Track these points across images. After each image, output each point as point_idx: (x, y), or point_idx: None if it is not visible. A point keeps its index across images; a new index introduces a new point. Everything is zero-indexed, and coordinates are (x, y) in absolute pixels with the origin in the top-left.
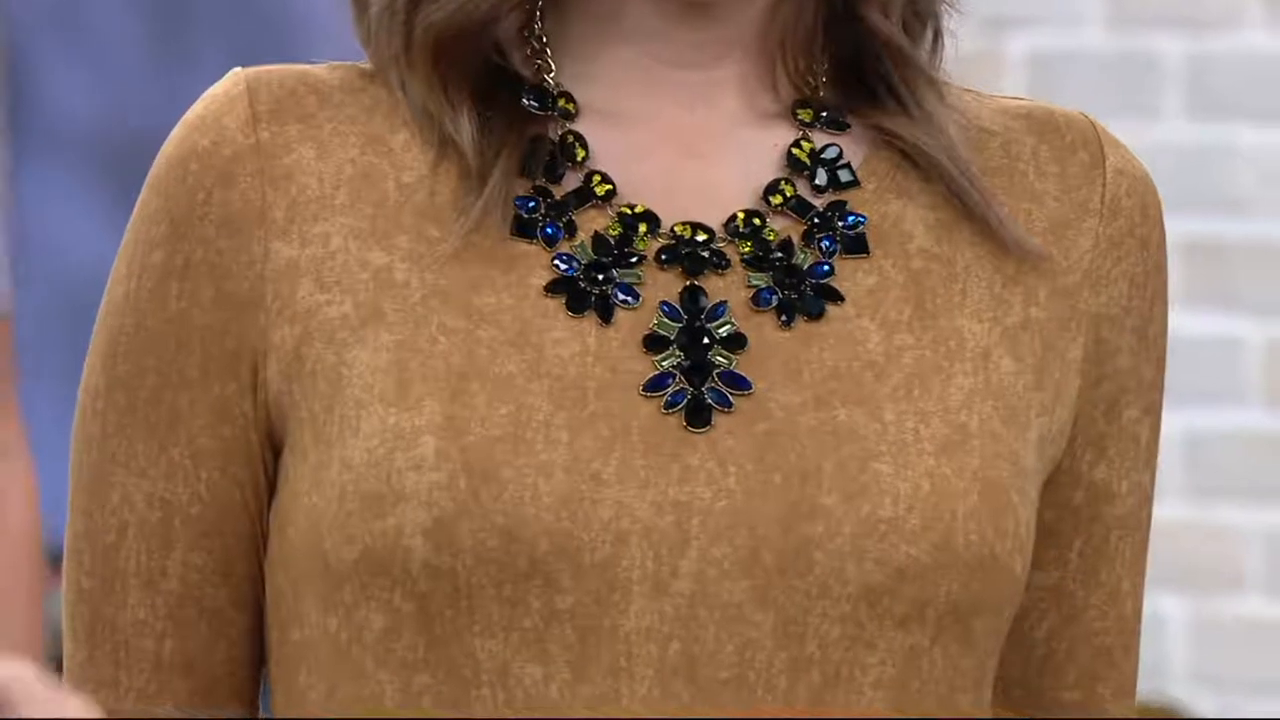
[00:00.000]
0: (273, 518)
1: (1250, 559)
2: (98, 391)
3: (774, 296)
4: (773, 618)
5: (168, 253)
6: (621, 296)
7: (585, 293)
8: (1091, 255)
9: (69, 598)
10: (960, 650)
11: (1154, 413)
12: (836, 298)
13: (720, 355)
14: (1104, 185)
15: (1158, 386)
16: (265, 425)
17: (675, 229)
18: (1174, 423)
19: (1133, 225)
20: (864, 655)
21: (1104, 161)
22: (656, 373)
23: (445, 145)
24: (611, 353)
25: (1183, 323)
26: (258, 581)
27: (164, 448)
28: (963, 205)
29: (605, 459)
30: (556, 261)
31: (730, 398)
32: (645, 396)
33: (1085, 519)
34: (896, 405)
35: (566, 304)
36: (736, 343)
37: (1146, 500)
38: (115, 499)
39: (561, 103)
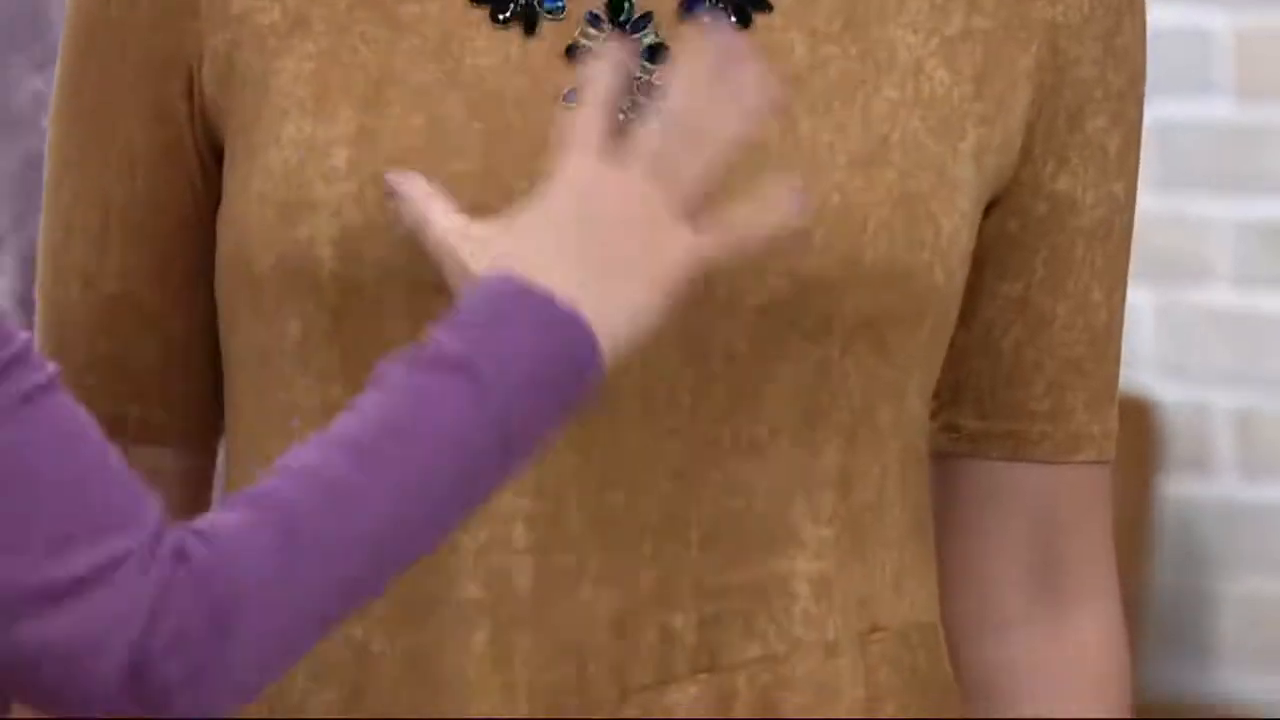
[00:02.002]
0: (217, 225)
1: (1218, 249)
2: (56, 99)
3: (701, 6)
4: (677, 334)
5: None
6: (547, 6)
7: (509, 3)
8: None
9: (37, 295)
10: (876, 361)
11: (1125, 123)
12: (764, 7)
13: (641, 67)
14: None
15: (1130, 97)
16: (203, 129)
17: None
18: (1145, 115)
19: None
20: (772, 368)
21: None
22: (577, 84)
23: None
24: (533, 64)
25: (1153, 14)
26: (197, 287)
27: (104, 148)
28: None
29: (518, 170)
30: None
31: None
32: (565, 107)
33: (1049, 229)
34: (814, 118)
35: (490, 14)
36: (659, 54)
37: (1120, 210)
38: (65, 199)
39: None
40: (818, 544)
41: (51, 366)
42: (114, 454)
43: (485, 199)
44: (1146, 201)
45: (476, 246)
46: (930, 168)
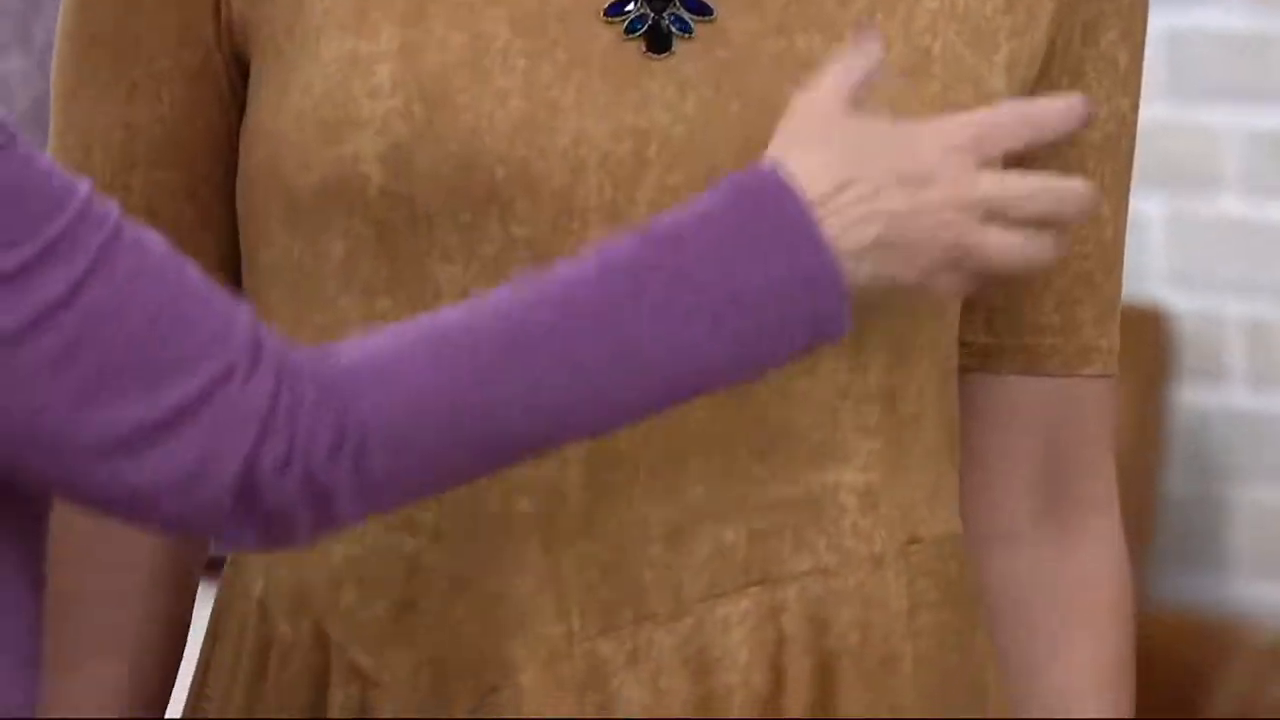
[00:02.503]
0: (241, 140)
1: (1230, 158)
2: (65, 25)
3: None
4: None
5: None
6: None
7: None
8: None
9: None
10: None
11: (1133, 37)
12: None
13: None
14: None
15: (1137, 11)
16: (230, 46)
17: None
18: (1156, 23)
19: None
20: None
21: None
22: None
23: None
24: None
25: None
26: (226, 202)
27: (125, 72)
28: None
29: (563, 86)
30: None
31: (691, 23)
32: (606, 22)
33: (1062, 144)
34: (859, 30)
35: None
36: None
37: (1126, 126)
38: (81, 122)
39: None
40: (865, 457)
41: (113, 207)
42: (193, 274)
43: (530, 113)
44: (1157, 110)
45: (800, 130)
46: (968, 80)
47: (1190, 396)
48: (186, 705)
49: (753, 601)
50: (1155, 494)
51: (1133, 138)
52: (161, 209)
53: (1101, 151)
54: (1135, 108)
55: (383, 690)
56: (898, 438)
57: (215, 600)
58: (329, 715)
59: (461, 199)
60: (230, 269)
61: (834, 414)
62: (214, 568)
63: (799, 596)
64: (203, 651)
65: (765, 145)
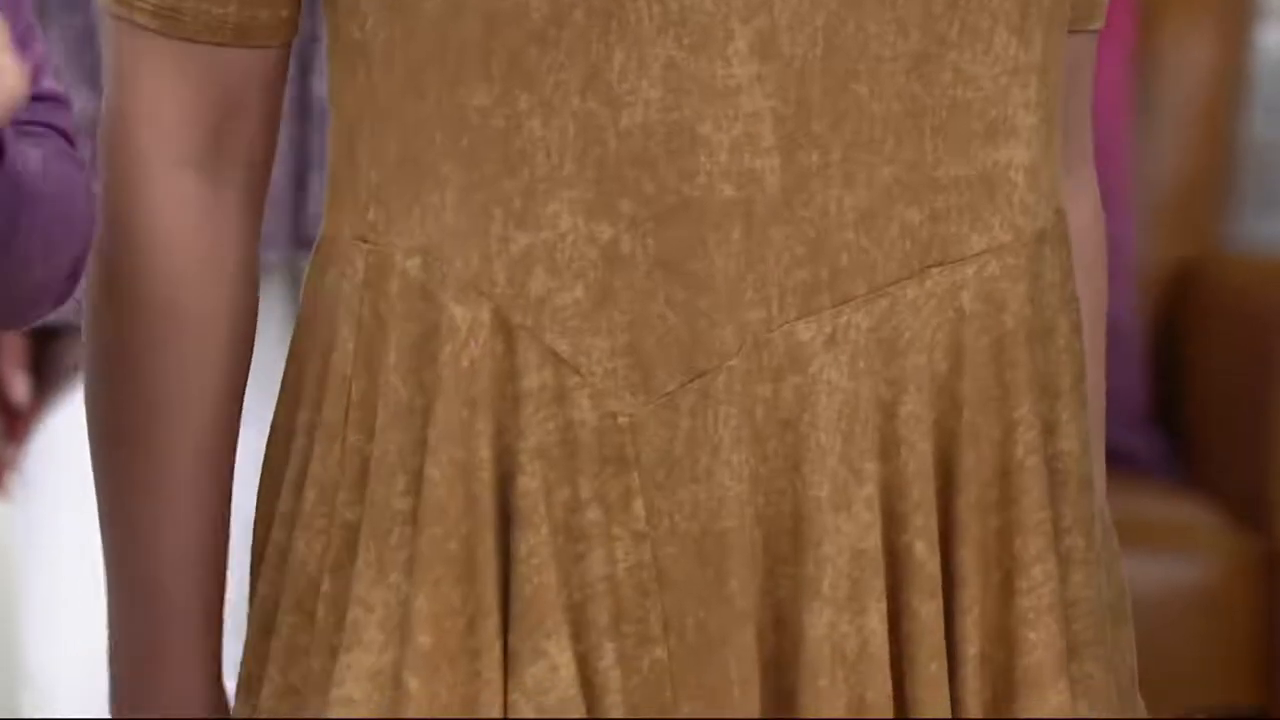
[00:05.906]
0: None
1: None
2: None
3: None
4: None
5: None
6: None
7: None
8: None
9: None
10: None
11: None
12: None
13: None
14: None
15: None
16: None
17: None
18: None
19: None
20: None
21: None
22: None
23: None
24: None
25: None
26: None
27: None
28: None
29: None
30: None
31: None
32: None
33: None
34: None
35: None
36: None
37: None
38: None
39: None
40: (1029, 132)
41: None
42: None
43: None
44: None
45: None
46: None
47: (1275, 38)
48: (306, 388)
49: (935, 281)
50: (1237, 137)
51: None
52: None
53: None
54: None
55: (581, 376)
56: (1049, 111)
57: (325, 287)
58: (522, 401)
59: None
60: None
61: (1005, 90)
62: None
63: (977, 275)
64: (333, 339)
65: None
